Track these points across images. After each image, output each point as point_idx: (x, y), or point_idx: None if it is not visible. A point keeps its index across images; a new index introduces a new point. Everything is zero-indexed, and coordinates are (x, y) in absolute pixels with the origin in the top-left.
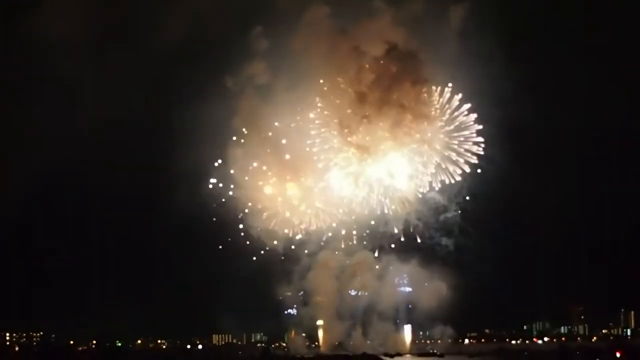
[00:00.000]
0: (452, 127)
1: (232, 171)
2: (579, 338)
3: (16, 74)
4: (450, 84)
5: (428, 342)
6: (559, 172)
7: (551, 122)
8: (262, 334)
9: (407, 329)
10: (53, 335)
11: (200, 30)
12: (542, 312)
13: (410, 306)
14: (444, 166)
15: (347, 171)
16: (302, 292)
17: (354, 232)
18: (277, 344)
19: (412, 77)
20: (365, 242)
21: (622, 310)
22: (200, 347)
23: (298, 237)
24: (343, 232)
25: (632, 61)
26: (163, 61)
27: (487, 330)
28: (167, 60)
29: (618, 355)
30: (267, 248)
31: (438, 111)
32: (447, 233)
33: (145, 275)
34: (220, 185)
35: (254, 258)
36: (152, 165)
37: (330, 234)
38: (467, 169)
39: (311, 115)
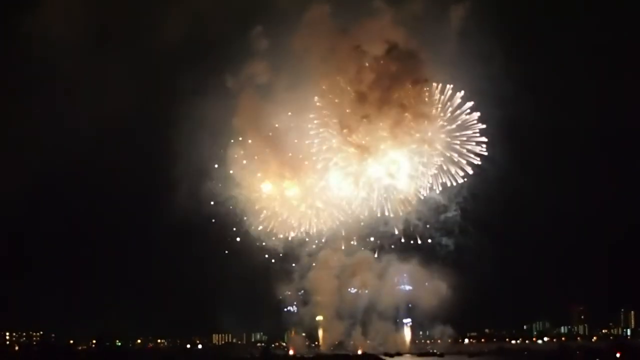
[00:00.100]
0: (454, 126)
1: (232, 171)
2: (579, 338)
3: (16, 74)
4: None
5: (428, 341)
6: (559, 172)
7: (551, 122)
8: (262, 333)
9: (407, 329)
10: (53, 335)
11: (201, 29)
12: (542, 312)
13: (410, 305)
14: (445, 168)
15: (347, 171)
16: (302, 292)
17: (354, 232)
18: (277, 344)
19: (412, 77)
20: (365, 242)
21: (622, 310)
22: (200, 346)
23: (298, 237)
24: (343, 233)
25: (632, 61)
26: (163, 61)
27: (487, 330)
28: (167, 60)
29: (618, 355)
30: (267, 248)
31: (439, 109)
32: (447, 233)
33: (145, 275)
34: (220, 185)
35: (254, 258)
36: (152, 165)
37: (330, 234)
38: (470, 171)
39: (311, 115)
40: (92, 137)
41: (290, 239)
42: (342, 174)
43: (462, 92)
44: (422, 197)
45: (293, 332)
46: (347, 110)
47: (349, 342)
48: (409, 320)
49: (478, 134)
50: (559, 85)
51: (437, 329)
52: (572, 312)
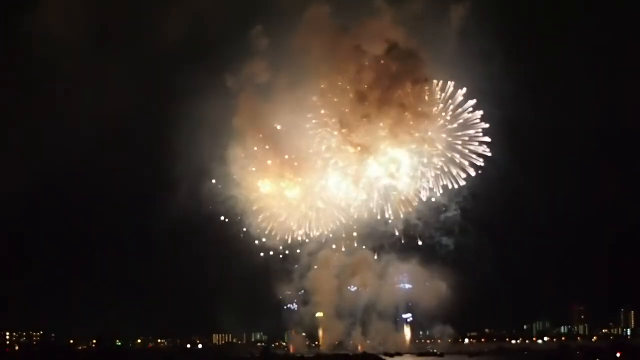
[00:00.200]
0: (455, 125)
1: (232, 171)
2: (579, 338)
3: (16, 74)
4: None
5: (428, 341)
6: (559, 172)
7: (551, 121)
8: (262, 333)
9: (407, 330)
10: (53, 335)
11: (201, 29)
12: (543, 312)
13: (410, 304)
14: (446, 169)
15: (347, 171)
16: (302, 292)
17: (355, 233)
18: (278, 344)
19: (412, 77)
20: (365, 242)
21: (623, 310)
22: (200, 346)
23: (298, 238)
24: (343, 234)
25: (632, 61)
26: (163, 61)
27: (487, 330)
28: (167, 60)
29: (618, 355)
30: (267, 248)
31: (440, 107)
32: (448, 233)
33: (145, 275)
34: (220, 185)
35: (254, 258)
36: (152, 165)
37: (330, 235)
38: (472, 173)
39: (311, 114)
40: (92, 137)
41: (290, 241)
42: (342, 174)
43: (465, 90)
44: (423, 200)
45: (293, 332)
46: (347, 110)
47: (349, 342)
48: (409, 315)
49: (481, 134)
50: (559, 85)
51: (437, 328)
52: (572, 312)
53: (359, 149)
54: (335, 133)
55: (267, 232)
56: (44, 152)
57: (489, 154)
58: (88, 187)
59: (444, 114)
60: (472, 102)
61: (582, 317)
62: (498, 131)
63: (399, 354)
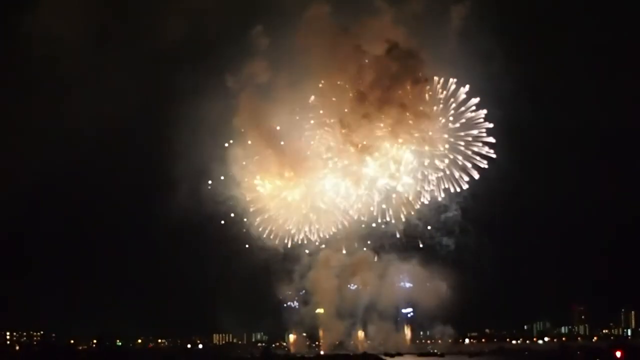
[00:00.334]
0: (457, 125)
1: (232, 171)
2: (579, 338)
3: (16, 74)
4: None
5: (428, 341)
6: (559, 171)
7: (551, 121)
8: (262, 333)
9: (407, 330)
10: (53, 335)
11: (201, 29)
12: (543, 312)
13: (410, 304)
14: (448, 172)
15: (347, 171)
16: (303, 291)
17: (355, 233)
18: (278, 344)
19: (412, 76)
20: (365, 242)
21: (623, 310)
22: (200, 346)
23: (298, 242)
24: (343, 235)
25: (632, 61)
26: (163, 61)
27: (487, 330)
28: (167, 60)
29: (618, 355)
30: (268, 247)
31: (442, 106)
32: (448, 233)
33: (145, 275)
34: (220, 185)
35: (254, 257)
36: (152, 165)
37: (330, 235)
38: (476, 175)
39: (311, 114)
40: (92, 137)
41: (290, 245)
42: (342, 174)
43: (467, 87)
44: (425, 203)
45: (294, 332)
46: (347, 110)
47: (349, 342)
48: (409, 310)
49: (484, 134)
50: (559, 85)
51: (437, 329)
52: (572, 312)
53: (360, 147)
54: (336, 133)
55: (267, 233)
56: (44, 152)
57: (493, 156)
58: (88, 187)
59: (445, 113)
60: (475, 100)
61: (583, 317)
62: (498, 131)
63: (399, 354)
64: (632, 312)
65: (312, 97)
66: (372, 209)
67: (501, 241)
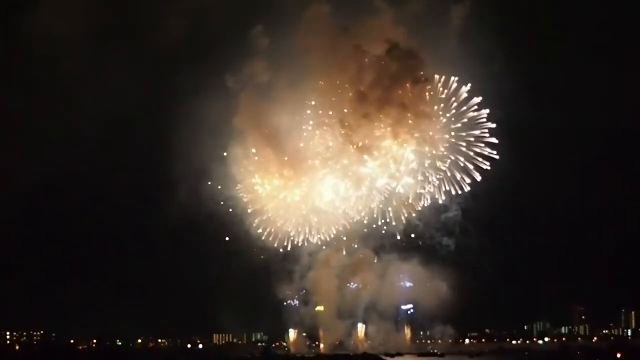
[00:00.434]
0: (459, 124)
1: (232, 171)
2: (579, 338)
3: (16, 74)
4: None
5: (429, 341)
6: (559, 171)
7: (552, 121)
8: (262, 333)
9: (407, 330)
10: (53, 334)
11: (201, 29)
12: (543, 312)
13: (411, 305)
14: (450, 174)
15: (347, 171)
16: (303, 291)
17: (355, 233)
18: (278, 344)
19: (412, 76)
20: (366, 242)
21: (623, 310)
22: (200, 346)
23: (298, 244)
24: (344, 236)
25: (632, 61)
26: (164, 60)
27: (487, 330)
28: (167, 60)
29: (619, 355)
30: (268, 247)
31: (442, 105)
32: (448, 233)
33: (145, 275)
34: (220, 185)
35: (254, 257)
36: (152, 165)
37: (330, 235)
38: (478, 177)
39: (311, 114)
40: (92, 137)
41: (289, 247)
42: (342, 174)
43: (469, 86)
44: (425, 205)
45: (294, 333)
46: (348, 110)
47: (349, 342)
48: (410, 306)
49: (487, 134)
50: (559, 85)
51: (437, 329)
52: (572, 312)
53: (360, 147)
54: (335, 133)
55: (267, 234)
56: (44, 152)
57: (496, 157)
58: (88, 187)
59: (446, 113)
60: (477, 99)
61: (583, 317)
62: (498, 131)
63: (400, 354)
64: (633, 312)
65: (312, 97)
66: (372, 208)
67: (501, 241)
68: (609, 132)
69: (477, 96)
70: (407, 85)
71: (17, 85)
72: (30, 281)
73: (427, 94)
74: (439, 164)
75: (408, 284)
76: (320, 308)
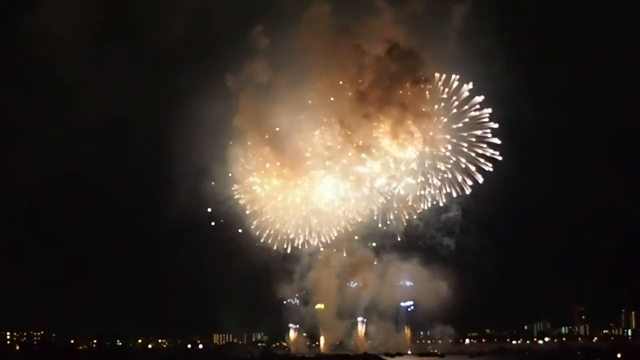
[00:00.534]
0: (460, 124)
1: (232, 171)
2: (579, 338)
3: (16, 74)
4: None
5: (429, 341)
6: (559, 172)
7: (552, 121)
8: (262, 333)
9: (407, 330)
10: (54, 335)
11: (201, 29)
12: (543, 312)
13: (411, 305)
14: (451, 176)
15: (347, 171)
16: (303, 291)
17: (355, 233)
18: (278, 344)
19: (413, 76)
20: (366, 242)
21: (623, 310)
22: (201, 346)
23: (299, 246)
24: (344, 236)
25: (632, 61)
26: (164, 60)
27: (487, 330)
28: (167, 60)
29: (619, 355)
30: (268, 247)
31: (443, 105)
32: (449, 233)
33: (145, 275)
34: (220, 185)
35: (255, 257)
36: (152, 165)
37: (331, 235)
38: (480, 179)
39: (311, 114)
40: (92, 137)
41: (289, 248)
42: (342, 174)
43: (471, 84)
44: (426, 208)
45: (294, 330)
46: (348, 110)
47: (349, 342)
48: (410, 303)
49: (489, 134)
50: (559, 85)
51: (437, 329)
52: (573, 313)
53: (360, 147)
54: (336, 133)
55: (266, 235)
56: (44, 152)
57: (499, 158)
58: (88, 187)
59: (447, 112)
60: (479, 98)
61: (583, 317)
62: (499, 131)
63: (400, 354)
64: (633, 312)
65: (312, 97)
66: (372, 209)
67: (502, 241)
68: (609, 132)
69: (478, 96)
70: (407, 85)
71: (17, 85)
72: (30, 281)
73: (427, 93)
74: (439, 165)
75: (408, 284)
76: (320, 306)
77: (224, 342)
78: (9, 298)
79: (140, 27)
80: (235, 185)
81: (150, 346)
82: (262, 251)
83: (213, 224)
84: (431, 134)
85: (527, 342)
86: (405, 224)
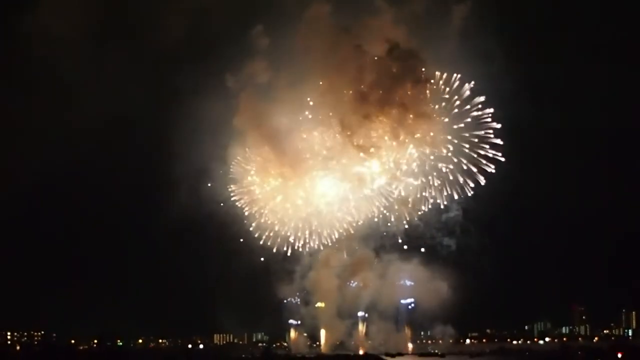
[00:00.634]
0: (462, 124)
1: (232, 171)
2: (580, 338)
3: (16, 74)
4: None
5: (429, 342)
6: (559, 172)
7: (552, 121)
8: (263, 333)
9: (408, 330)
10: (54, 335)
11: (201, 29)
12: (544, 312)
13: (411, 307)
14: (452, 177)
15: (347, 172)
16: (304, 291)
17: (355, 233)
18: (279, 344)
19: (413, 77)
20: (366, 242)
21: (624, 310)
22: (201, 346)
23: (299, 248)
24: (344, 236)
25: (632, 61)
26: (164, 60)
27: (488, 330)
28: (167, 60)
29: (619, 355)
30: (268, 248)
31: (444, 104)
32: (449, 233)
33: (146, 275)
34: (220, 185)
35: (255, 257)
36: (152, 165)
37: (331, 235)
38: (482, 180)
39: (312, 114)
40: (92, 137)
41: (289, 250)
42: (342, 175)
43: (472, 83)
44: (426, 210)
45: (294, 330)
46: (348, 110)
47: (350, 342)
48: (411, 300)
49: (491, 135)
50: (559, 85)
51: (438, 329)
52: (573, 313)
53: (360, 147)
54: (336, 133)
55: (267, 235)
56: (44, 152)
57: (502, 159)
58: (88, 187)
59: (448, 112)
60: (481, 98)
61: (583, 317)
62: (499, 131)
63: (400, 354)
64: (633, 312)
65: (312, 97)
66: (373, 210)
67: (502, 241)
68: (609, 132)
69: (478, 96)
70: (408, 85)
71: (17, 85)
72: (30, 281)
73: (427, 92)
74: (440, 166)
75: (409, 283)
76: (320, 304)
77: (224, 342)
78: (9, 298)
79: (140, 27)
80: (235, 186)
81: (151, 345)
82: (262, 251)
83: (213, 221)
84: (432, 134)
85: (528, 342)
86: (406, 226)
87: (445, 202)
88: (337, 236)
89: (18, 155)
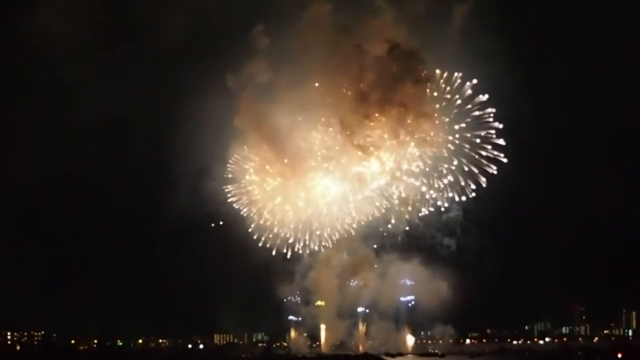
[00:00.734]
0: (463, 124)
1: (232, 171)
2: (580, 338)
3: (16, 74)
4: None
5: (429, 342)
6: (559, 172)
7: (552, 122)
8: (263, 333)
9: (408, 333)
10: (54, 335)
11: (201, 29)
12: (544, 312)
13: (412, 304)
14: (453, 179)
15: (348, 172)
16: (304, 291)
17: (356, 233)
18: (279, 344)
19: (413, 76)
20: (366, 242)
21: (624, 310)
22: (201, 346)
23: (300, 250)
24: (344, 237)
25: (632, 61)
26: (164, 60)
27: (488, 330)
28: (167, 60)
29: (620, 356)
30: (268, 247)
31: (445, 104)
32: (449, 233)
33: (146, 274)
34: (221, 185)
35: (255, 257)
36: (152, 165)
37: (331, 235)
38: (484, 182)
39: (312, 114)
40: (92, 137)
41: (289, 252)
42: (342, 175)
43: (475, 81)
44: (426, 212)
45: (294, 329)
46: (348, 110)
47: (350, 342)
48: (411, 298)
49: (493, 135)
50: (559, 85)
51: (438, 329)
52: (573, 313)
53: (361, 147)
54: (336, 133)
55: (266, 236)
56: (44, 152)
57: (504, 160)
58: (88, 187)
59: (449, 112)
60: (483, 97)
61: (583, 317)
62: (500, 131)
63: (400, 354)
64: (633, 312)
65: (313, 97)
66: (373, 210)
67: (502, 241)
68: (609, 132)
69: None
70: (408, 85)
71: (17, 85)
72: (30, 281)
73: (427, 92)
74: (441, 166)
75: (409, 283)
76: (321, 303)
77: (224, 342)
78: (9, 298)
79: (140, 27)
80: (235, 186)
81: (151, 345)
82: (262, 251)
83: (214, 221)
84: (432, 134)
85: (528, 342)
86: (407, 227)
87: (445, 204)
88: (337, 237)
89: (18, 155)
